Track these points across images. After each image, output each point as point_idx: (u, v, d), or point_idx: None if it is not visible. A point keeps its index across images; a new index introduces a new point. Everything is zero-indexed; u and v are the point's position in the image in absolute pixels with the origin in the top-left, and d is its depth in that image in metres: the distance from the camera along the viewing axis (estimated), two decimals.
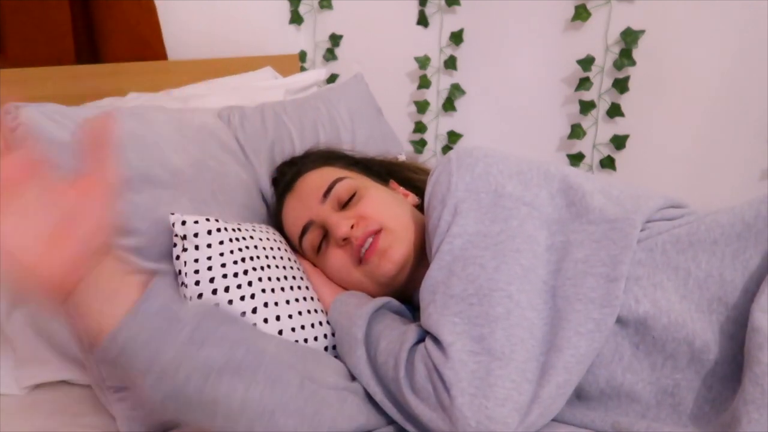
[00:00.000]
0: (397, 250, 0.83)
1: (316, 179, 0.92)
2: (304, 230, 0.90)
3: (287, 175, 0.98)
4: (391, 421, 0.71)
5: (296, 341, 0.81)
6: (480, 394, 0.60)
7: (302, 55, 1.70)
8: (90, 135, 0.54)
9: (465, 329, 0.65)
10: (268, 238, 0.90)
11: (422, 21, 1.58)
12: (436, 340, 0.66)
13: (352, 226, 0.83)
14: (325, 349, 0.83)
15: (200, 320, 0.60)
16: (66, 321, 0.56)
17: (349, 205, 0.88)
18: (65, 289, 0.54)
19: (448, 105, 1.62)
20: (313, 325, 0.83)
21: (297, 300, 0.85)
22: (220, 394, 0.59)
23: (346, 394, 0.70)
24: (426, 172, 1.03)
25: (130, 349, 0.56)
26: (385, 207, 0.87)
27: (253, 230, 0.89)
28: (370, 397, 0.72)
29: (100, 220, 0.54)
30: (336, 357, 0.82)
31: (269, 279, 0.84)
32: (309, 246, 0.90)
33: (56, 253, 0.52)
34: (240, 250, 0.84)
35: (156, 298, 0.58)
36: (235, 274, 0.81)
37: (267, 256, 0.86)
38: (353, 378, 0.74)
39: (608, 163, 1.50)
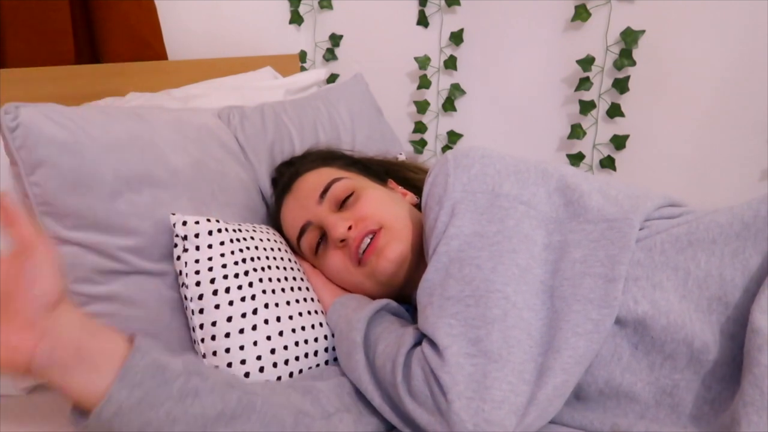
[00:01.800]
0: (394, 248, 0.83)
1: (314, 180, 0.92)
2: (302, 231, 0.90)
3: (285, 175, 0.99)
4: (390, 425, 0.71)
5: (296, 342, 0.81)
6: (477, 397, 0.60)
7: (302, 55, 1.70)
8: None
9: (461, 331, 0.64)
10: (268, 239, 0.90)
11: (422, 21, 1.58)
12: (433, 343, 0.66)
13: (349, 227, 0.83)
14: (326, 350, 0.83)
15: (189, 371, 0.59)
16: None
17: (347, 205, 0.88)
18: (21, 365, 0.52)
19: (448, 105, 1.62)
20: (313, 326, 0.83)
21: (297, 301, 0.85)
22: None
23: (339, 416, 0.69)
24: (425, 172, 1.03)
25: (122, 414, 0.54)
26: (383, 206, 0.87)
27: (254, 231, 0.89)
28: (367, 403, 0.72)
29: (33, 290, 0.53)
30: (335, 359, 0.83)
31: (270, 280, 0.84)
32: (308, 247, 0.90)
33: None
34: (241, 250, 0.84)
35: (141, 355, 0.56)
36: (236, 275, 0.81)
37: (267, 257, 0.86)
38: (347, 391, 0.73)
39: (608, 163, 1.50)
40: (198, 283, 0.80)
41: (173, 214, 0.85)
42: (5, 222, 0.54)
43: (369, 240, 0.83)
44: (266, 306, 0.81)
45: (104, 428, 0.54)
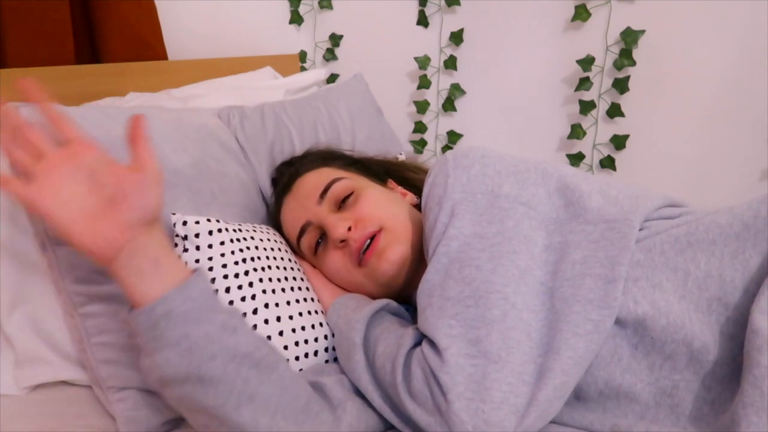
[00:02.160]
0: (395, 249, 0.83)
1: (314, 180, 0.92)
2: (302, 231, 0.90)
3: (285, 175, 0.98)
4: (389, 425, 0.71)
5: (296, 342, 0.81)
6: (477, 398, 0.60)
7: (302, 55, 1.70)
8: (128, 133, 0.63)
9: (461, 332, 0.64)
10: (268, 239, 0.90)
11: (422, 21, 1.58)
12: (433, 344, 0.66)
13: (349, 228, 0.83)
14: (326, 350, 0.83)
15: (234, 314, 0.65)
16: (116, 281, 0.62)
17: (347, 205, 0.88)
18: (107, 255, 0.60)
19: (448, 105, 1.62)
20: (313, 326, 0.83)
21: (297, 301, 0.85)
22: (239, 379, 0.61)
23: (342, 407, 0.70)
24: (425, 172, 1.03)
25: (170, 318, 0.60)
26: (383, 207, 0.87)
27: (254, 231, 0.89)
28: (368, 402, 0.72)
29: (141, 200, 0.61)
30: (335, 359, 0.83)
31: (270, 280, 0.84)
32: (307, 247, 0.90)
33: (95, 228, 0.59)
34: (241, 250, 0.84)
35: (201, 281, 0.63)
36: (236, 275, 0.81)
37: (268, 257, 0.86)
38: (348, 387, 0.74)
39: (608, 163, 1.50)
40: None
41: (173, 214, 0.85)
42: (132, 138, 0.62)
43: (370, 241, 0.83)
44: (266, 306, 0.81)
45: (150, 324, 0.60)
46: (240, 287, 0.80)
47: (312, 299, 0.87)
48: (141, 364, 0.63)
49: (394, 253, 0.82)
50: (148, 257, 0.62)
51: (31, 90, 0.62)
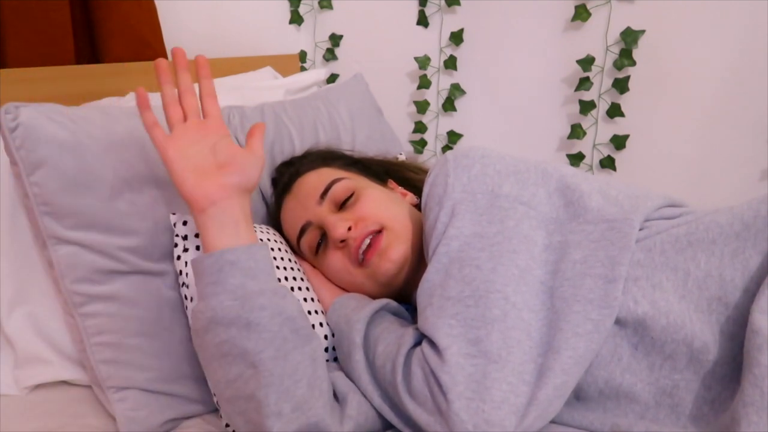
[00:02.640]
0: (396, 249, 0.83)
1: (314, 180, 0.92)
2: (302, 231, 0.90)
3: (285, 175, 0.99)
4: (389, 425, 0.71)
5: None
6: (477, 397, 0.60)
7: (302, 55, 1.70)
8: (250, 128, 0.79)
9: (461, 332, 0.64)
10: (268, 239, 0.90)
11: (422, 21, 1.58)
12: (433, 344, 0.66)
13: (349, 228, 0.83)
14: (325, 350, 0.83)
15: (287, 288, 0.72)
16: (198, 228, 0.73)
17: (347, 206, 0.88)
18: (201, 205, 0.71)
19: (448, 105, 1.62)
20: (312, 326, 0.83)
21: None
22: (280, 334, 0.66)
23: (343, 398, 0.71)
24: (425, 172, 1.03)
25: (234, 266, 0.68)
26: (383, 207, 0.87)
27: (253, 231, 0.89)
28: (366, 406, 0.72)
29: (243, 171, 0.74)
30: (335, 359, 0.83)
31: None
32: (307, 247, 0.90)
33: (201, 181, 0.72)
34: None
35: (266, 250, 0.72)
36: None
37: None
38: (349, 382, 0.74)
39: (608, 163, 1.50)
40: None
41: (173, 214, 0.85)
42: (250, 131, 0.79)
43: (369, 241, 0.83)
44: None
45: (216, 267, 0.68)
46: None
47: (312, 299, 0.87)
48: (193, 310, 0.70)
49: (396, 252, 0.82)
50: (233, 217, 0.71)
51: (183, 63, 0.79)
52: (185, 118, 0.76)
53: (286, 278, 0.86)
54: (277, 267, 0.86)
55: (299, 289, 0.87)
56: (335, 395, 0.72)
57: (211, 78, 0.79)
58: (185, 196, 0.72)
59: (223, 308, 0.66)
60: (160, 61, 0.77)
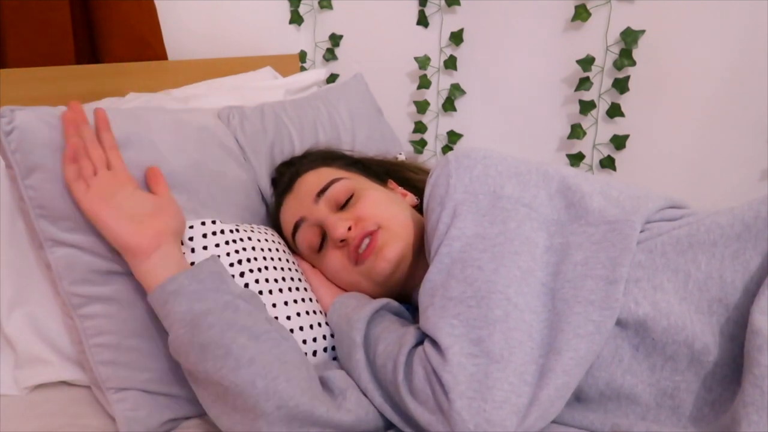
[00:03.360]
0: (392, 248, 0.83)
1: (314, 179, 0.92)
2: (296, 227, 0.90)
3: (285, 176, 0.98)
4: (389, 424, 0.71)
5: None
6: (478, 397, 0.60)
7: (302, 55, 1.70)
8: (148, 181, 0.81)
9: (463, 332, 0.64)
10: (266, 239, 0.90)
11: (422, 21, 1.58)
12: (435, 343, 0.66)
13: (349, 228, 0.83)
14: (324, 350, 0.83)
15: (244, 297, 0.72)
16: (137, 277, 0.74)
17: (347, 206, 0.88)
18: (145, 251, 0.73)
19: (448, 105, 1.62)
20: (312, 327, 0.83)
21: (296, 301, 0.85)
22: (235, 344, 0.66)
23: (343, 395, 0.71)
24: (426, 172, 1.03)
25: (177, 295, 0.69)
26: (383, 207, 0.87)
27: (252, 231, 0.89)
28: (365, 402, 0.72)
29: (177, 215, 0.78)
30: (334, 359, 0.83)
31: (267, 280, 0.84)
32: (304, 244, 0.90)
33: (140, 229, 0.73)
34: (237, 251, 0.84)
35: (211, 266, 0.73)
36: (233, 276, 0.81)
37: (265, 258, 0.86)
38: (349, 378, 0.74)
39: (608, 163, 1.50)
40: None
41: None
42: (152, 183, 0.81)
43: (368, 240, 0.83)
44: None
45: (162, 301, 0.70)
46: None
47: (310, 299, 0.87)
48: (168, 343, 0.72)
49: (392, 251, 0.82)
50: (175, 260, 0.74)
51: (83, 117, 0.80)
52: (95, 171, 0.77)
53: (284, 278, 0.86)
54: (275, 268, 0.86)
55: (297, 289, 0.87)
56: (334, 391, 0.72)
57: (111, 130, 0.81)
58: (127, 245, 0.73)
59: (178, 337, 0.69)
60: (65, 113, 0.79)
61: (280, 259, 0.88)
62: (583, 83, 1.45)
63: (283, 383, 0.66)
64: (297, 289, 0.86)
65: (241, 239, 0.86)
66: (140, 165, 0.86)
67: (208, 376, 0.67)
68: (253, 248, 0.86)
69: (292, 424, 0.65)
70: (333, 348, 0.84)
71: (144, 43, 1.35)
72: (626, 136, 1.47)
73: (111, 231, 0.74)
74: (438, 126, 1.66)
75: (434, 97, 1.64)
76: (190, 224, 0.83)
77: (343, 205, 0.88)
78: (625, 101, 1.45)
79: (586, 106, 1.47)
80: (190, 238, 0.83)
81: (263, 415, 0.64)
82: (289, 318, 0.82)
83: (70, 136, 0.78)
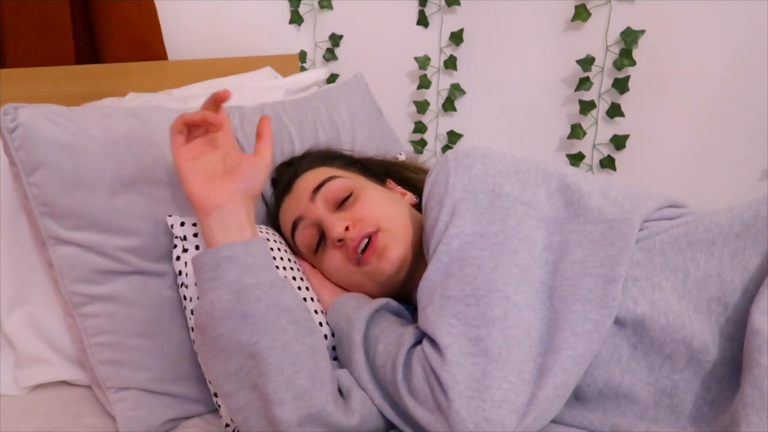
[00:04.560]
0: (394, 249, 0.83)
1: (312, 179, 0.92)
2: (294, 226, 0.90)
3: (285, 176, 0.99)
4: (390, 424, 0.71)
5: None
6: (477, 396, 0.60)
7: (302, 55, 1.70)
8: (257, 129, 0.79)
9: (462, 330, 0.65)
10: (267, 239, 0.90)
11: (422, 21, 1.58)
12: (434, 342, 0.66)
13: (347, 228, 0.83)
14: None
15: (287, 281, 0.73)
16: (202, 230, 0.76)
17: (346, 205, 0.88)
18: (207, 208, 0.74)
19: (448, 105, 1.62)
20: None
21: None
22: (276, 324, 0.67)
23: (347, 393, 0.71)
24: (425, 172, 1.03)
25: (230, 262, 0.70)
26: (382, 207, 0.87)
27: None
28: (369, 401, 0.72)
29: (249, 177, 0.76)
30: (335, 359, 0.83)
31: None
32: (302, 244, 0.90)
33: (208, 185, 0.75)
34: None
35: (263, 245, 0.74)
36: None
37: None
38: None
39: (608, 163, 1.50)
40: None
41: (170, 216, 0.85)
42: (258, 134, 0.79)
43: (367, 241, 0.83)
44: None
45: (213, 264, 0.71)
46: None
47: (311, 299, 0.87)
48: (194, 307, 0.73)
49: (394, 252, 0.82)
50: (237, 221, 0.74)
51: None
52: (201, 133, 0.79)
53: (284, 278, 0.86)
54: (277, 267, 0.86)
55: (298, 288, 0.87)
56: (339, 390, 0.72)
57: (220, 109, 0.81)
58: (192, 198, 0.75)
59: (221, 302, 0.68)
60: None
61: (281, 258, 0.88)
62: (583, 83, 1.45)
63: (303, 378, 0.66)
64: (298, 288, 0.87)
65: None
66: (141, 165, 0.86)
67: (241, 347, 0.67)
68: None
69: (305, 420, 0.65)
70: (333, 348, 0.84)
71: (144, 43, 1.35)
72: (626, 136, 1.47)
73: (183, 182, 0.76)
74: (438, 126, 1.66)
75: (434, 97, 1.64)
76: (194, 221, 0.83)
77: (341, 204, 0.88)
78: (625, 101, 1.45)
79: (586, 106, 1.47)
80: (195, 235, 0.83)
81: (281, 403, 0.65)
82: None
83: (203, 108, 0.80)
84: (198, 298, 0.73)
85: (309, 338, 0.69)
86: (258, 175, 0.77)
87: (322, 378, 0.68)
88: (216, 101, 0.79)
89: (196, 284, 0.75)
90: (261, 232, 0.91)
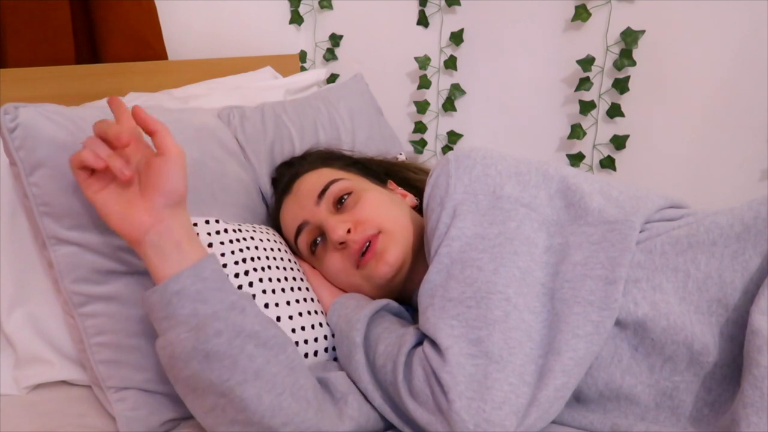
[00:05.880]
0: (393, 252, 0.82)
1: (314, 180, 0.92)
2: (299, 230, 0.90)
3: (285, 176, 0.98)
4: (390, 425, 0.71)
5: (296, 342, 0.81)
6: (478, 397, 0.60)
7: (302, 55, 1.70)
8: (143, 128, 0.70)
9: (463, 332, 0.64)
10: (268, 239, 0.90)
11: (422, 21, 1.58)
12: (434, 344, 0.66)
13: (348, 230, 0.83)
14: (325, 350, 0.83)
15: (244, 297, 0.68)
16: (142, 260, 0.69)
17: (346, 207, 0.88)
18: (136, 237, 0.67)
19: (448, 105, 1.62)
20: (313, 326, 0.83)
21: (297, 301, 0.85)
22: (243, 355, 0.63)
23: (344, 399, 0.71)
24: (426, 172, 1.03)
25: (181, 296, 0.64)
26: (383, 209, 0.87)
27: (254, 231, 0.89)
28: (369, 402, 0.72)
29: (164, 185, 0.67)
30: (335, 359, 0.83)
31: (269, 280, 0.84)
32: (305, 247, 0.90)
33: (127, 212, 0.67)
34: (241, 251, 0.84)
35: (213, 263, 0.68)
36: (236, 275, 0.81)
37: (267, 257, 0.86)
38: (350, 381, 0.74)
39: (608, 163, 1.50)
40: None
41: None
42: (149, 130, 0.69)
43: (369, 244, 0.83)
44: (266, 306, 0.81)
45: (164, 302, 0.65)
46: (240, 287, 0.80)
47: (312, 299, 0.87)
48: (156, 346, 0.68)
49: (392, 255, 0.82)
50: (171, 240, 0.67)
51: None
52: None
53: (285, 278, 0.86)
54: (277, 267, 0.86)
55: (299, 289, 0.87)
56: (335, 395, 0.72)
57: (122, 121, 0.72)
58: (118, 233, 0.69)
59: (180, 342, 0.64)
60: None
61: (282, 259, 0.88)
62: (583, 83, 1.45)
63: (288, 399, 0.64)
64: (299, 289, 0.87)
65: (244, 239, 0.86)
66: None
67: (211, 386, 0.63)
68: (256, 248, 0.86)
69: None
70: (334, 348, 0.84)
71: (144, 43, 1.35)
72: (626, 136, 1.47)
73: (104, 220, 0.69)
74: (438, 126, 1.67)
75: (434, 97, 1.64)
76: (194, 221, 0.83)
77: (341, 206, 0.88)
78: (625, 101, 1.45)
79: (586, 106, 1.47)
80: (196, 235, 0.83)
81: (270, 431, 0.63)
82: (290, 318, 0.82)
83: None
84: (159, 337, 0.68)
85: (282, 355, 0.66)
86: (172, 177, 0.67)
87: (306, 396, 0.66)
88: (115, 108, 0.71)
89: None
90: (261, 231, 0.91)
